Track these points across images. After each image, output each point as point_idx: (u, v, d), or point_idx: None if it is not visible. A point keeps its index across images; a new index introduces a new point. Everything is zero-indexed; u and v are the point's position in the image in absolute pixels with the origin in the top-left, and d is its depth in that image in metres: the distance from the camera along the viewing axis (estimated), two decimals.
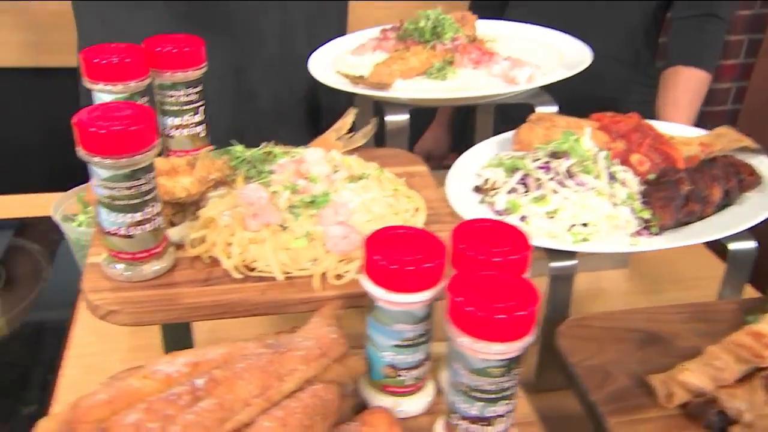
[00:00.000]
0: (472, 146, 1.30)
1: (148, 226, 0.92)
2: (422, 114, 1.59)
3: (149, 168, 0.90)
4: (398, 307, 0.81)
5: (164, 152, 1.20)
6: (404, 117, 1.36)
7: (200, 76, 1.14)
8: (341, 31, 1.76)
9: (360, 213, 1.05)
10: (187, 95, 1.14)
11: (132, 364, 0.82)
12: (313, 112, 1.81)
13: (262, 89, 1.68)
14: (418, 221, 1.08)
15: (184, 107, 1.15)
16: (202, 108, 1.17)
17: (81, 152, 0.87)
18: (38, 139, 2.41)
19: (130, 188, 0.89)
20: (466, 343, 0.72)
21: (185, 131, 1.16)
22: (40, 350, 1.20)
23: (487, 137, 1.57)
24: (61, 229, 1.26)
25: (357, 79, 1.35)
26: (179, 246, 1.03)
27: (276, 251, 0.97)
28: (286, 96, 1.71)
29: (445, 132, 2.24)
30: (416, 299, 0.80)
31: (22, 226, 1.50)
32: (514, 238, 0.83)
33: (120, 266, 0.94)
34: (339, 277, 0.97)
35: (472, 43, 1.45)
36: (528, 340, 0.72)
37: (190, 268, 0.98)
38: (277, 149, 1.15)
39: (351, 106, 1.67)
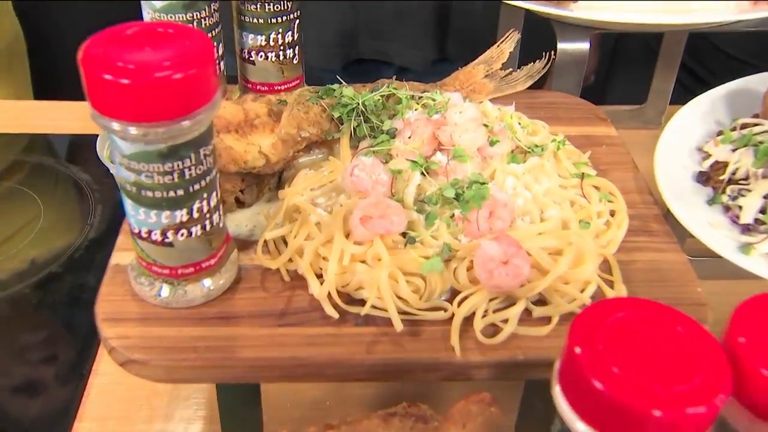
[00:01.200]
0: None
1: (197, 230, 0.57)
2: None
3: (202, 140, 0.54)
4: None
5: (239, 85, 0.84)
6: (583, 46, 0.94)
7: None
8: None
9: (527, 218, 0.67)
10: (278, 2, 0.76)
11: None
12: (442, 11, 1.39)
13: None
14: (616, 236, 0.69)
15: (273, 20, 0.77)
16: (297, 22, 0.79)
17: (92, 112, 0.52)
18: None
19: (168, 173, 0.54)
20: None
21: (271, 55, 0.79)
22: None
23: (665, 84, 1.14)
24: (111, 173, 0.93)
25: None
26: (246, 243, 0.68)
27: (396, 281, 0.60)
28: None
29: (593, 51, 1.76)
30: None
31: (73, 147, 1.19)
32: None
33: (153, 284, 0.60)
34: (493, 331, 0.61)
35: None
36: None
37: (259, 289, 0.64)
38: (403, 90, 0.77)
39: (490, 12, 1.23)
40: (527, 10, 0.94)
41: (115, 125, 0.50)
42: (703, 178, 0.74)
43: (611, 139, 0.84)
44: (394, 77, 0.81)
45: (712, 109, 0.84)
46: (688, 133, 0.81)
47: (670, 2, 0.93)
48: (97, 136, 0.97)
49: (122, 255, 0.65)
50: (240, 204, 0.71)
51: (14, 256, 0.96)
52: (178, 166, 0.54)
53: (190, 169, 0.54)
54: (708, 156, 0.77)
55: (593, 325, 0.44)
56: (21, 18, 1.45)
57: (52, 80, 1.39)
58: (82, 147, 1.15)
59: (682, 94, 1.18)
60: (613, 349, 0.40)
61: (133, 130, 0.50)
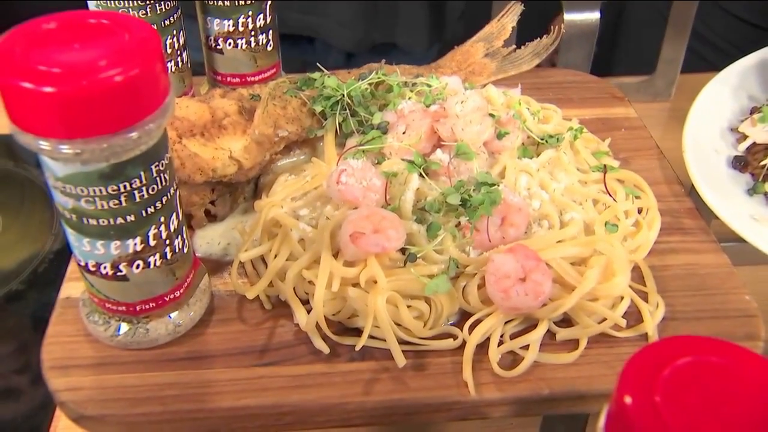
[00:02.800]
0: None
1: (155, 260, 0.48)
2: None
3: (154, 153, 0.44)
4: None
5: (207, 77, 0.74)
6: (593, 16, 0.84)
7: None
8: None
9: (545, 223, 0.57)
10: None
11: None
12: None
13: None
14: (647, 238, 0.59)
15: (241, 1, 0.67)
16: (269, 3, 0.68)
17: (12, 129, 0.42)
18: None
19: (113, 196, 0.44)
20: None
21: (241, 42, 0.69)
22: None
23: (676, 53, 1.04)
24: None
25: None
26: (219, 264, 0.59)
27: (396, 306, 0.51)
28: None
29: None
30: None
31: None
32: None
33: (109, 322, 0.51)
34: (511, 360, 0.52)
35: None
36: None
37: (236, 320, 0.54)
38: (394, 76, 0.67)
39: None
40: None
41: (43, 144, 0.41)
42: (740, 163, 0.65)
43: (630, 122, 0.74)
44: (383, 61, 0.71)
45: (743, 82, 0.75)
46: (718, 111, 0.71)
47: None
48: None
49: (73, 286, 0.56)
50: (211, 218, 0.61)
51: None
52: (125, 187, 0.44)
53: (140, 191, 0.45)
54: (744, 137, 0.67)
55: (649, 371, 0.36)
56: None
57: None
58: None
59: (691, 62, 1.08)
60: (672, 402, 0.32)
61: (64, 149, 0.41)
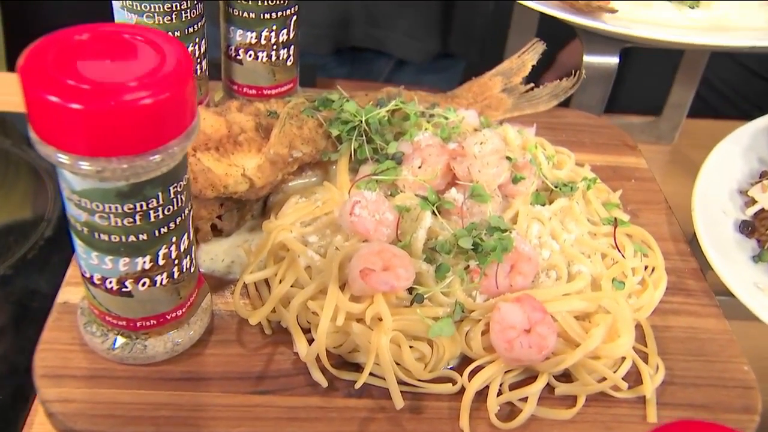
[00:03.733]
0: None
1: (162, 279, 0.47)
2: None
3: (173, 175, 0.44)
4: None
5: (223, 85, 0.73)
6: (612, 60, 0.83)
7: None
8: None
9: (552, 273, 0.57)
10: None
11: None
12: (447, 1, 1.26)
13: None
14: (652, 298, 0.59)
15: (266, 15, 0.66)
16: (294, 19, 0.68)
17: (32, 137, 0.41)
18: None
19: (128, 215, 0.43)
20: None
21: (262, 55, 0.68)
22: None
23: (683, 98, 1.04)
24: None
25: None
26: (221, 282, 0.58)
27: (399, 346, 0.51)
28: None
29: None
30: None
31: None
32: None
33: (107, 335, 0.50)
34: (508, 410, 0.51)
35: None
36: None
37: (235, 343, 0.54)
38: (412, 105, 0.67)
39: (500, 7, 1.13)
40: (542, 13, 0.84)
41: (63, 157, 0.40)
42: (747, 228, 0.65)
43: (641, 172, 0.75)
44: (402, 87, 0.71)
45: (754, 144, 0.75)
46: (729, 171, 0.72)
47: (711, 18, 0.84)
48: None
49: (73, 291, 0.55)
50: (217, 232, 0.61)
51: None
52: (141, 207, 0.43)
53: (156, 211, 0.44)
54: (753, 202, 0.67)
55: None
56: None
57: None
58: None
59: (696, 107, 1.09)
60: None
61: (85, 165, 0.40)
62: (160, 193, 0.43)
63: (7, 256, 0.87)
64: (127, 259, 0.45)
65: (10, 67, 1.37)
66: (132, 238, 0.44)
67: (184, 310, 0.50)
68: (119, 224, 0.43)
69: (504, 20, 1.13)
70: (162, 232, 0.45)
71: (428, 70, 1.26)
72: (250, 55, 0.68)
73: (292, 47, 0.69)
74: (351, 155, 0.63)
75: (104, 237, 0.44)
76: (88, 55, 0.40)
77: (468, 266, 0.54)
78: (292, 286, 0.54)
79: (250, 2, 0.65)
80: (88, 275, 0.47)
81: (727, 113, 1.29)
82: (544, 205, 0.61)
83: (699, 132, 1.10)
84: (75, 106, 0.38)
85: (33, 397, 0.65)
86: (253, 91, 0.70)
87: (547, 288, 0.55)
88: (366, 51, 1.26)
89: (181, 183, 0.45)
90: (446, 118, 0.66)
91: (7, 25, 1.36)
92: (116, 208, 0.43)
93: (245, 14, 0.65)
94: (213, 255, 0.59)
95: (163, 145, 0.41)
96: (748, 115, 0.82)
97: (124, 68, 0.40)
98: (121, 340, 0.50)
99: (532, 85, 0.76)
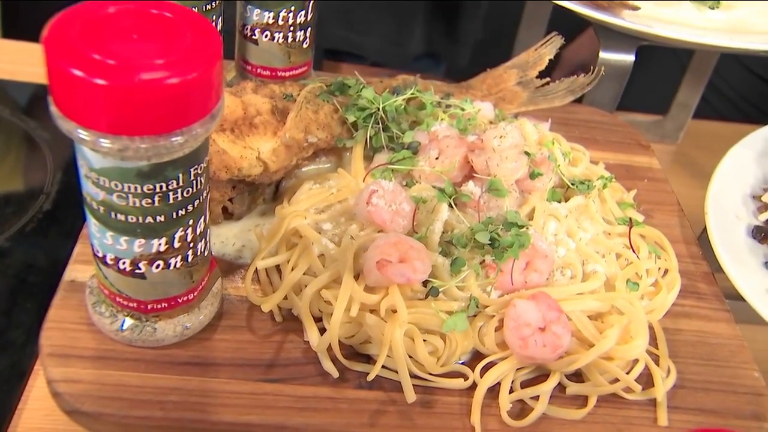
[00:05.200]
0: None
1: (176, 261, 0.46)
2: None
3: (195, 157, 0.43)
4: None
5: (236, 64, 0.71)
6: (628, 57, 0.83)
7: None
8: None
9: (567, 271, 0.57)
10: None
11: None
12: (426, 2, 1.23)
13: None
14: (665, 301, 0.59)
15: None
16: (313, 1, 0.66)
17: (53, 111, 0.40)
18: None
19: (147, 195, 0.42)
20: None
21: (279, 36, 0.66)
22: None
23: (690, 99, 1.04)
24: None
25: None
26: (231, 266, 0.57)
27: (412, 339, 0.50)
28: None
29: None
30: None
31: (36, 99, 1.03)
32: None
33: (116, 316, 0.49)
34: (519, 408, 0.51)
35: None
36: None
37: (245, 329, 0.53)
38: (428, 94, 0.66)
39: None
40: (555, 5, 0.83)
41: (83, 134, 0.39)
42: (760, 234, 0.65)
43: (654, 173, 0.74)
44: (418, 75, 0.70)
45: (767, 149, 0.75)
46: (742, 176, 0.71)
47: (730, 19, 0.83)
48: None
49: (80, 269, 0.54)
50: (228, 215, 0.60)
51: None
52: (161, 188, 0.42)
53: (175, 192, 0.43)
54: (766, 208, 0.67)
55: None
56: None
57: (26, 15, 1.24)
58: (44, 99, 1.01)
59: (701, 109, 1.08)
60: None
61: (106, 143, 0.39)
62: (180, 175, 0.42)
63: (4, 228, 0.85)
64: (142, 241, 0.44)
65: (6, 33, 1.34)
66: (149, 219, 0.43)
67: (195, 294, 0.49)
68: (137, 205, 0.42)
69: (496, 21, 1.11)
70: (180, 215, 0.44)
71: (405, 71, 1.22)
72: (266, 36, 0.66)
73: (309, 29, 0.68)
74: (366, 142, 0.62)
75: (121, 217, 0.43)
76: (114, 30, 0.39)
77: (483, 261, 0.54)
78: (304, 274, 0.53)
79: None
80: (100, 255, 0.46)
81: (731, 116, 1.29)
82: (559, 201, 0.61)
83: (703, 133, 1.10)
84: (100, 81, 0.37)
85: (29, 373, 0.64)
86: (267, 72, 0.68)
87: (561, 286, 0.54)
88: (341, 53, 1.21)
89: (202, 165, 0.44)
90: (462, 109, 0.65)
91: None
92: (135, 188, 0.41)
93: None
94: (223, 238, 0.58)
95: (187, 126, 0.40)
96: (751, 119, 0.81)
97: (151, 45, 0.39)
98: (130, 322, 0.49)
99: (548, 79, 0.75)
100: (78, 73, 0.37)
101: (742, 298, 0.60)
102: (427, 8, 1.20)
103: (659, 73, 1.37)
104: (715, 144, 0.78)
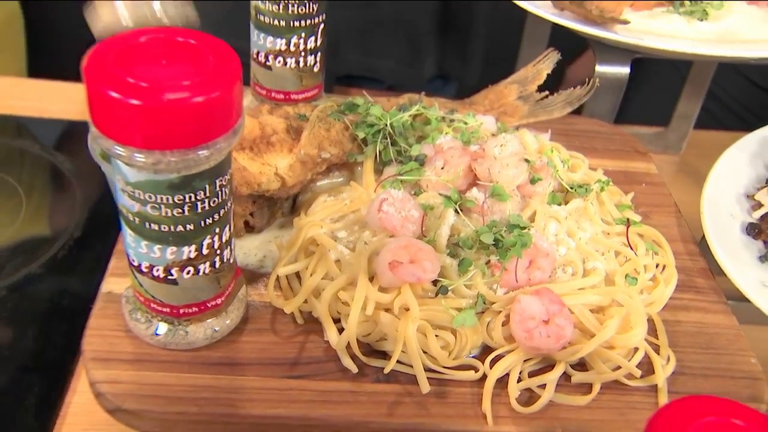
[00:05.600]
0: None
1: (205, 267, 0.50)
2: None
3: (220, 169, 0.47)
4: None
5: (251, 90, 0.76)
6: (623, 70, 0.87)
7: None
8: None
9: (569, 269, 0.60)
10: (303, 4, 0.69)
11: None
12: (440, 25, 1.27)
13: None
14: (663, 294, 0.63)
15: (295, 23, 0.69)
16: (322, 27, 0.71)
17: (92, 131, 0.44)
18: None
19: (178, 205, 0.47)
20: None
21: (291, 61, 0.71)
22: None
23: (691, 109, 1.07)
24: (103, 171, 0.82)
25: (563, 3, 0.85)
26: (254, 274, 0.61)
27: (425, 335, 0.54)
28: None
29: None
30: None
31: (62, 134, 1.09)
32: None
33: (151, 322, 0.53)
34: (527, 396, 0.54)
35: None
36: None
37: (269, 331, 0.57)
38: (433, 110, 0.70)
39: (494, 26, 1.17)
40: (554, 24, 0.87)
41: (120, 150, 0.43)
42: (754, 230, 0.68)
43: (651, 178, 0.78)
44: (423, 93, 0.74)
45: (761, 150, 0.78)
46: (736, 177, 0.75)
47: (719, 30, 0.87)
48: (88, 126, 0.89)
49: (115, 282, 0.58)
50: (249, 228, 0.64)
51: None
52: (190, 198, 0.46)
53: (203, 202, 0.47)
54: (759, 205, 0.71)
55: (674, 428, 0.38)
56: None
57: (50, 54, 1.30)
58: (71, 133, 1.06)
59: (703, 119, 1.12)
60: None
61: (141, 158, 0.43)
62: (207, 186, 0.47)
63: (38, 255, 0.89)
64: (174, 248, 0.48)
65: (32, 73, 1.40)
66: (180, 227, 0.47)
67: (223, 298, 0.53)
68: (169, 214, 0.47)
69: (501, 41, 1.15)
70: (207, 223, 0.48)
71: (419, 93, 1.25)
72: (279, 62, 0.71)
73: (319, 54, 0.73)
74: (376, 157, 0.66)
75: (154, 227, 0.47)
76: (145, 56, 0.44)
77: (489, 261, 0.58)
78: (322, 279, 0.57)
79: (281, 11, 0.68)
80: (136, 263, 0.50)
81: (732, 125, 1.32)
82: (560, 205, 0.64)
83: (705, 143, 1.13)
84: (134, 102, 0.41)
85: (64, 392, 0.68)
86: (281, 96, 0.73)
87: (563, 282, 0.58)
88: (359, 78, 1.25)
89: (226, 177, 0.48)
90: (465, 123, 0.69)
91: (30, 32, 1.39)
92: (167, 199, 0.46)
93: (276, 21, 0.69)
94: (246, 250, 0.62)
95: (212, 140, 0.44)
96: (752, 127, 0.85)
97: (179, 68, 0.44)
98: (164, 327, 0.53)
99: (546, 93, 0.79)
100: (115, 95, 0.41)
101: (741, 299, 0.63)
102: (439, 29, 1.24)
103: (659, 86, 1.41)
104: (717, 153, 0.81)
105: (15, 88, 1.20)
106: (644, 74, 1.48)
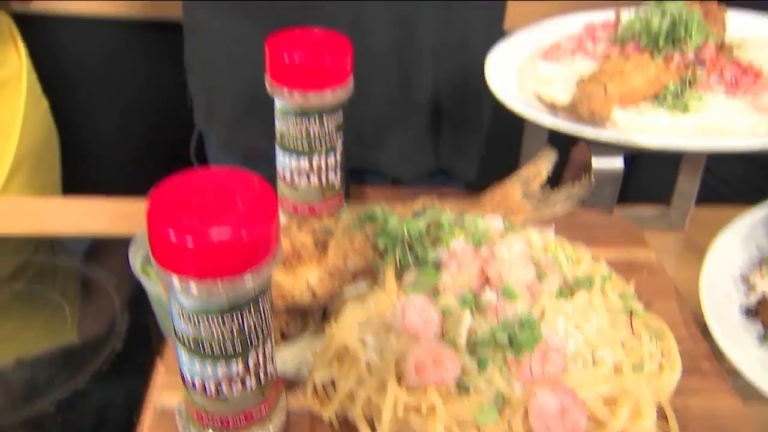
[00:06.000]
0: None
1: (251, 382, 0.56)
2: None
3: (262, 290, 0.53)
4: None
5: (280, 209, 0.83)
6: (618, 163, 0.94)
7: (345, 99, 0.76)
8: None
9: (579, 361, 0.65)
10: (324, 125, 0.76)
11: None
12: (433, 118, 1.33)
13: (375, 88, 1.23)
14: (670, 381, 0.67)
15: (317, 143, 0.77)
16: (340, 143, 0.79)
17: (155, 267, 0.51)
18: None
19: (226, 327, 0.52)
20: None
21: (314, 178, 0.78)
22: None
23: (690, 187, 1.13)
24: (142, 284, 0.86)
25: (553, 106, 0.93)
26: (291, 382, 0.66)
27: None
28: (400, 95, 1.25)
29: None
30: None
31: (95, 248, 1.13)
32: None
33: None
34: None
35: (722, 53, 1.00)
36: None
37: None
38: (446, 215, 0.76)
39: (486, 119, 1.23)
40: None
41: (176, 281, 0.49)
42: (751, 313, 0.73)
43: (651, 266, 0.83)
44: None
45: (753, 232, 0.84)
46: (731, 259, 0.80)
47: (701, 125, 0.94)
48: (128, 240, 0.94)
49: (165, 396, 0.63)
50: (283, 337, 0.69)
51: (34, 369, 0.91)
52: (237, 318, 0.52)
53: (249, 321, 0.53)
54: (754, 288, 0.76)
55: None
56: (54, 111, 1.44)
57: (83, 172, 1.38)
58: (106, 247, 1.11)
59: (704, 194, 1.17)
60: None
61: (194, 287, 0.49)
62: (252, 306, 0.53)
63: (83, 370, 0.92)
64: (223, 365, 0.54)
65: (66, 190, 1.48)
66: (229, 346, 0.53)
67: (266, 408, 0.59)
68: (219, 334, 0.52)
69: (504, 138, 1.22)
70: (252, 340, 0.54)
71: (423, 186, 1.26)
72: (303, 180, 0.78)
73: (338, 168, 0.80)
74: (396, 263, 0.72)
75: (207, 346, 0.53)
76: (198, 196, 0.50)
77: (505, 357, 0.63)
78: (355, 383, 0.62)
79: (303, 134, 0.75)
80: (189, 380, 0.56)
81: (735, 198, 1.38)
82: (567, 297, 0.70)
83: (709, 218, 1.18)
84: (189, 240, 0.48)
85: None
86: (306, 209, 0.80)
87: (575, 374, 0.63)
88: (363, 171, 1.29)
89: (267, 297, 0.54)
90: (476, 226, 0.75)
91: (64, 153, 1.48)
92: (218, 321, 0.52)
93: (300, 143, 0.76)
94: (283, 360, 0.67)
95: (256, 268, 0.50)
96: (753, 200, 0.90)
97: (227, 207, 0.50)
98: None
99: (547, 188, 0.85)
100: (173, 235, 0.48)
101: (741, 375, 0.68)
102: (435, 124, 1.30)
103: (660, 163, 1.47)
104: (720, 228, 0.86)
105: (50, 209, 1.26)
106: (644, 156, 1.55)
